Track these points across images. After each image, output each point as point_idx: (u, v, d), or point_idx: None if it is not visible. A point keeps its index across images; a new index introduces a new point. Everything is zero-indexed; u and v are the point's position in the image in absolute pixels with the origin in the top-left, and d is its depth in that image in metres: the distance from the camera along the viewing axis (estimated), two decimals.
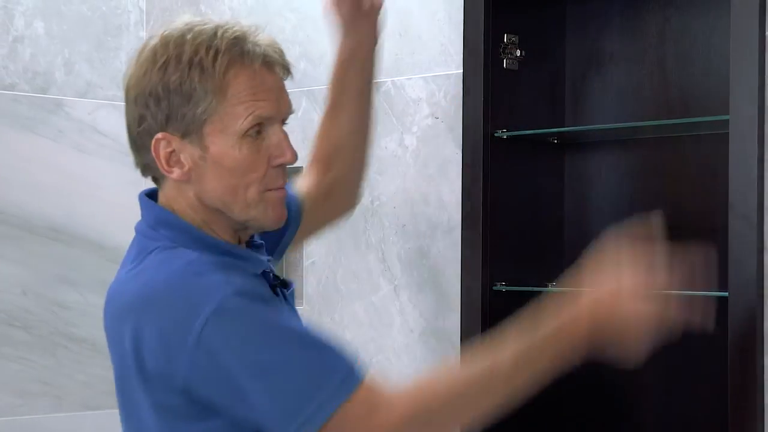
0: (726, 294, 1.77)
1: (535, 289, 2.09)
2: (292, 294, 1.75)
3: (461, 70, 2.11)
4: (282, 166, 1.60)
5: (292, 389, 1.49)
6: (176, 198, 1.62)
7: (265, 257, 1.68)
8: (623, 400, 2.06)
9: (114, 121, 2.67)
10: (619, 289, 1.51)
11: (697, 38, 1.99)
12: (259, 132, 1.58)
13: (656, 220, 1.52)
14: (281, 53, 1.61)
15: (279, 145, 1.58)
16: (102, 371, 2.64)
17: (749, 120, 1.75)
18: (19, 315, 2.54)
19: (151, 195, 1.67)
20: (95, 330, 2.58)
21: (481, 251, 2.05)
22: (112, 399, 2.71)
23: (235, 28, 1.57)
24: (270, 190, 1.60)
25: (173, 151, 1.58)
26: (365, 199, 2.27)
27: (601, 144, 2.11)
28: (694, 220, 1.98)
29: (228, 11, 2.54)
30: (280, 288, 1.69)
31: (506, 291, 2.06)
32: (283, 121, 1.61)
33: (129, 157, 2.77)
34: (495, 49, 2.07)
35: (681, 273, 1.50)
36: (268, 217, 1.62)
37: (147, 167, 1.62)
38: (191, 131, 1.57)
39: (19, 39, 2.56)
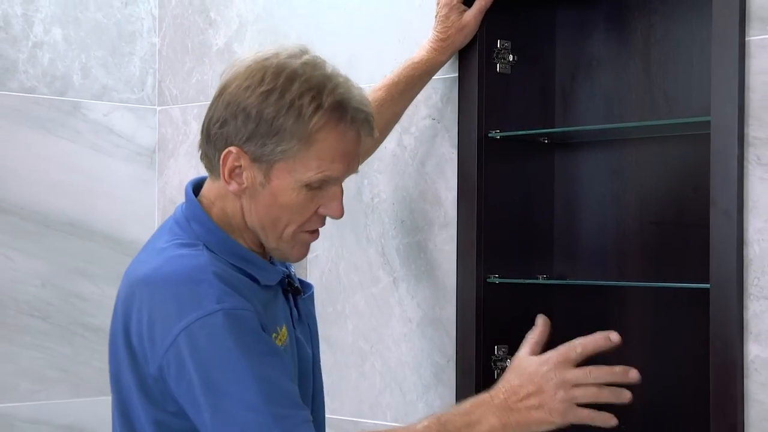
0: (708, 286, 1.76)
1: (527, 281, 2.08)
2: (310, 298, 1.74)
3: (457, 74, 2.10)
4: (324, 218, 1.60)
5: (238, 419, 1.47)
6: (223, 198, 1.62)
7: (282, 267, 1.68)
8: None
9: (128, 123, 2.67)
10: (531, 375, 1.50)
11: (680, 43, 1.98)
12: (320, 186, 1.57)
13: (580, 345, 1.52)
14: (372, 117, 1.60)
15: (332, 201, 1.59)
16: None
17: (729, 121, 1.74)
18: (39, 306, 2.53)
19: (198, 183, 1.67)
20: (110, 320, 2.58)
21: (476, 245, 2.05)
22: None
23: (342, 90, 1.55)
24: (306, 232, 1.60)
25: (239, 166, 1.57)
26: (366, 196, 2.26)
27: (589, 144, 2.11)
28: (677, 215, 1.98)
29: (236, 18, 2.53)
30: (292, 294, 1.68)
31: (499, 283, 2.06)
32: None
33: (142, 157, 2.81)
34: (488, 54, 2.07)
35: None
36: (293, 254, 1.63)
37: (207, 158, 1.62)
38: (263, 160, 1.56)
39: (39, 45, 2.55)
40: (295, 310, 1.67)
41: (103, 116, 2.64)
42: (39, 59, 2.55)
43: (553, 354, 1.51)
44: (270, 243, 1.61)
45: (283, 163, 1.55)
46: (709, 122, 1.77)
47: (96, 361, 2.60)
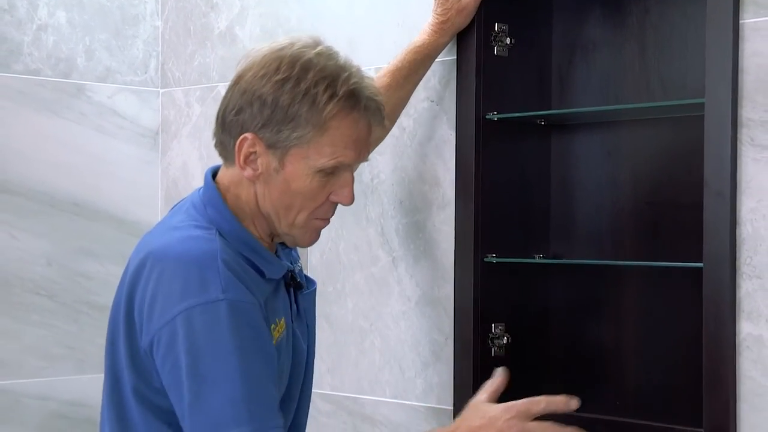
0: (701, 265, 1.76)
1: (524, 260, 2.08)
2: (311, 294, 1.75)
3: (455, 57, 2.09)
4: (335, 205, 1.61)
5: (216, 409, 1.48)
6: (237, 184, 1.63)
7: (288, 262, 1.69)
8: (605, 367, 2.06)
9: (132, 105, 2.67)
10: (489, 421, 1.56)
11: (674, 27, 1.97)
12: (332, 172, 1.59)
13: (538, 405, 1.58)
14: (383, 107, 1.62)
15: (343, 188, 1.60)
16: None
17: (723, 103, 1.74)
18: (45, 284, 2.53)
19: (216, 170, 1.68)
20: (117, 289, 2.59)
21: (473, 225, 2.04)
22: None
23: (355, 79, 1.57)
24: (318, 219, 1.61)
25: (254, 152, 1.59)
26: (365, 177, 2.26)
27: (586, 125, 2.10)
28: (671, 196, 1.98)
29: (237, 2, 2.52)
30: (294, 289, 1.69)
31: (496, 262, 2.06)
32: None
33: (145, 138, 2.81)
34: (486, 38, 2.06)
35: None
36: (304, 240, 1.65)
37: (222, 145, 1.64)
38: (278, 146, 1.58)
39: (43, 27, 2.54)
40: (294, 306, 1.68)
41: (107, 98, 2.63)
42: (43, 42, 2.55)
43: (517, 404, 1.57)
44: (282, 228, 1.62)
45: (298, 149, 1.56)
46: (703, 104, 1.76)
47: (100, 339, 2.57)
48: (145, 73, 2.69)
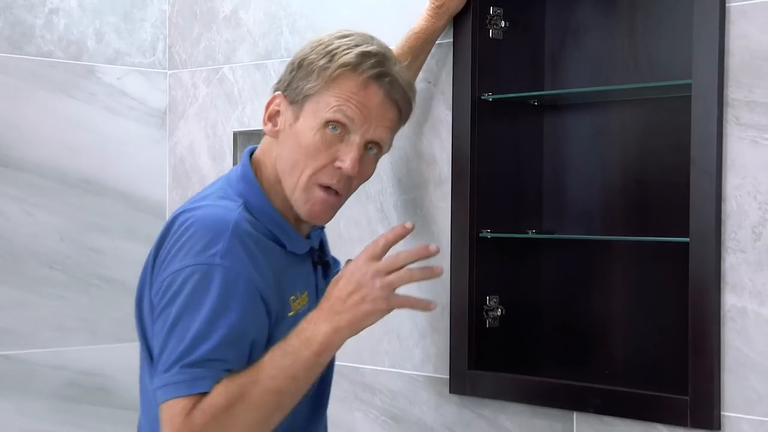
0: (688, 240, 1.76)
1: (517, 235, 2.08)
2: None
3: (451, 40, 2.09)
4: (340, 170, 1.60)
5: (177, 335, 1.50)
6: (267, 152, 1.67)
7: (315, 241, 1.69)
8: (595, 337, 2.06)
9: (140, 86, 2.66)
10: (348, 275, 1.52)
11: (663, 10, 1.97)
12: (340, 133, 1.59)
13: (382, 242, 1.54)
14: (408, 93, 1.65)
15: (347, 153, 1.60)
16: (131, 308, 2.64)
17: (710, 84, 1.73)
18: (58, 258, 2.53)
19: (254, 151, 1.70)
20: (125, 271, 2.60)
21: (469, 202, 2.04)
22: None
23: (378, 49, 1.61)
24: (320, 186, 1.61)
25: (278, 111, 1.62)
26: None
27: (577, 106, 2.10)
28: (660, 174, 1.98)
29: None
30: (321, 266, 1.70)
31: (491, 237, 2.06)
32: (367, 144, 1.62)
33: (153, 118, 2.81)
34: (482, 21, 2.06)
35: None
36: (305, 210, 1.64)
37: None
38: (297, 101, 1.61)
39: (55, 11, 2.54)
40: (323, 282, 1.68)
41: (117, 79, 2.62)
42: (55, 25, 2.54)
43: (360, 254, 1.53)
44: (288, 190, 1.62)
45: (310, 103, 1.59)
46: (690, 85, 1.76)
47: (111, 310, 2.61)
48: (153, 55, 2.68)
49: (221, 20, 2.56)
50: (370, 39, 1.63)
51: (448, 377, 2.09)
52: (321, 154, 1.59)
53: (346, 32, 1.64)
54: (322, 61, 1.58)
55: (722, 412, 1.74)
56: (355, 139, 1.60)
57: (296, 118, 1.60)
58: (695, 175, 1.75)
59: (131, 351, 2.60)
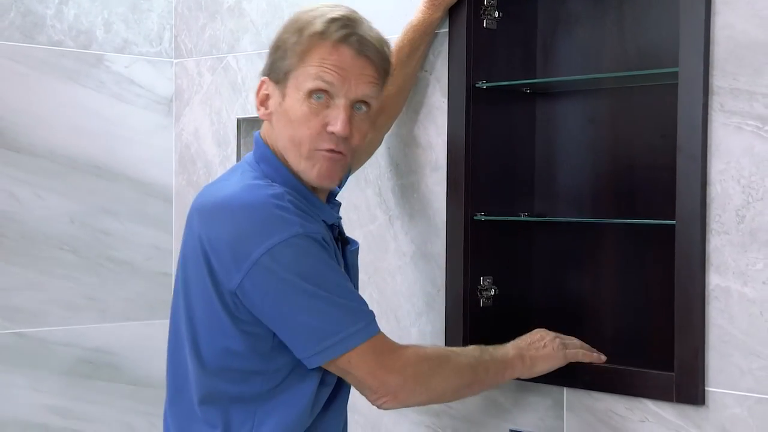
0: (674, 222, 1.76)
1: (510, 218, 2.08)
2: (355, 253, 1.77)
3: (447, 30, 2.08)
4: (333, 134, 1.61)
5: (327, 320, 1.55)
6: (269, 134, 1.69)
7: (337, 214, 1.70)
8: (584, 316, 2.06)
9: (147, 74, 2.65)
10: (540, 338, 1.81)
11: (650, 1, 1.96)
12: (325, 100, 1.59)
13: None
14: (380, 49, 1.64)
15: (335, 117, 1.60)
16: (139, 288, 2.65)
17: (695, 72, 1.73)
18: (68, 240, 2.54)
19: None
20: (133, 253, 2.61)
21: (464, 186, 2.04)
22: (149, 311, 2.74)
23: (342, 13, 1.61)
24: (320, 150, 1.61)
25: (268, 95, 1.63)
26: None
27: (568, 93, 2.10)
28: (647, 158, 1.97)
29: None
30: (342, 244, 1.70)
31: (485, 220, 2.06)
32: (354, 104, 1.61)
33: (160, 105, 2.80)
34: (476, 11, 2.05)
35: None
36: (313, 174, 1.64)
37: None
38: (280, 81, 1.62)
39: (65, 1, 2.53)
40: (342, 260, 1.69)
41: (125, 68, 2.62)
42: (65, 15, 2.53)
43: (549, 333, 1.85)
44: (294, 164, 1.63)
45: (292, 80, 1.60)
46: (676, 73, 1.75)
47: (120, 290, 2.61)
48: (160, 44, 2.67)
49: (225, 11, 2.55)
50: (334, 6, 1.64)
51: None
52: (312, 123, 1.59)
53: (314, 6, 1.64)
54: (293, 38, 1.60)
55: (706, 388, 1.74)
56: (340, 101, 1.60)
57: (283, 96, 1.61)
58: (681, 160, 1.75)
59: (140, 329, 2.62)
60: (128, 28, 2.62)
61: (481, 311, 2.06)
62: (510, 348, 1.77)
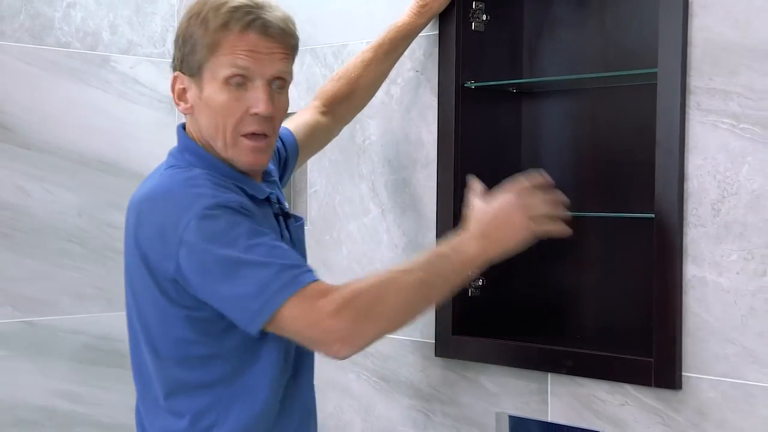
0: (653, 216, 1.76)
1: None
2: (301, 227, 1.72)
3: (437, 32, 2.08)
4: (257, 116, 1.57)
5: (250, 283, 1.44)
6: (192, 126, 1.63)
7: (270, 189, 1.66)
8: (567, 305, 2.06)
9: (151, 74, 2.65)
10: (499, 207, 1.60)
11: (630, 5, 1.96)
12: (242, 84, 1.55)
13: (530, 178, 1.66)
14: (284, 28, 1.57)
15: (256, 98, 1.55)
16: None
17: (673, 72, 1.73)
18: (76, 233, 2.53)
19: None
20: (124, 241, 2.59)
21: (453, 181, 2.04)
22: None
23: (239, 2, 1.54)
24: (244, 136, 1.57)
25: (184, 88, 1.59)
26: (358, 139, 2.25)
27: (552, 93, 2.09)
28: (628, 155, 1.97)
29: None
30: (283, 217, 1.66)
31: None
32: (271, 81, 1.57)
33: (163, 104, 2.79)
34: (465, 14, 2.05)
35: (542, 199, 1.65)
36: (242, 161, 1.60)
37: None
38: (194, 74, 1.57)
39: (72, 5, 2.52)
40: (287, 232, 1.66)
41: (129, 68, 2.61)
42: (73, 18, 2.52)
43: (507, 191, 1.63)
44: (222, 152, 1.58)
45: (207, 71, 1.55)
46: (656, 73, 1.75)
47: None
48: (163, 46, 2.66)
49: None
50: None
51: (434, 342, 2.09)
52: (233, 109, 1.55)
53: None
54: (199, 31, 1.54)
55: (683, 373, 1.74)
56: (258, 83, 1.56)
57: (200, 89, 1.56)
58: (660, 156, 1.75)
59: None
60: (133, 31, 2.61)
61: (470, 300, 2.06)
62: (471, 241, 1.55)
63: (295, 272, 1.45)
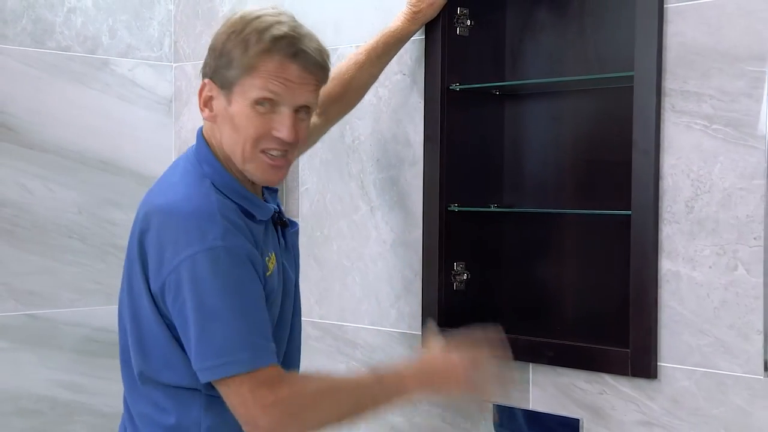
0: (629, 213, 1.77)
1: (481, 209, 2.08)
2: (296, 233, 1.72)
3: (424, 37, 2.08)
4: (279, 140, 1.57)
5: (216, 341, 1.46)
6: (212, 134, 1.61)
7: (273, 204, 1.66)
8: (548, 298, 2.07)
9: (149, 77, 2.64)
10: (451, 363, 1.64)
11: (609, 11, 1.97)
12: (271, 108, 1.55)
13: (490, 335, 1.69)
14: (320, 61, 1.57)
15: (281, 123, 1.55)
16: None
17: (649, 75, 1.73)
18: (77, 229, 2.52)
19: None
20: (129, 235, 2.58)
21: (439, 180, 2.04)
22: None
23: (286, 30, 1.54)
24: (263, 152, 1.57)
25: (211, 96, 1.57)
26: (348, 139, 2.25)
27: (534, 95, 2.10)
28: (606, 154, 1.98)
29: None
30: (281, 227, 1.67)
31: (458, 211, 2.06)
32: (299, 109, 1.57)
33: (161, 105, 2.79)
34: (450, 20, 2.05)
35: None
36: (258, 176, 1.59)
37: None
38: (225, 87, 1.56)
39: (73, 10, 2.51)
40: (282, 240, 1.66)
41: (128, 71, 2.60)
42: (73, 22, 2.51)
43: (467, 358, 1.65)
44: (240, 165, 1.58)
45: (238, 87, 1.54)
46: (632, 76, 1.76)
47: None
48: (161, 49, 2.66)
49: (221, 18, 2.54)
50: (278, 16, 1.56)
51: (420, 333, 2.09)
52: (257, 127, 1.54)
53: (257, 12, 1.57)
54: (238, 51, 1.53)
55: (659, 363, 1.75)
56: (286, 109, 1.55)
57: (229, 102, 1.55)
58: (636, 156, 1.75)
59: None
60: (131, 35, 2.61)
61: (455, 294, 2.06)
62: (413, 382, 1.60)
63: (257, 352, 1.47)
